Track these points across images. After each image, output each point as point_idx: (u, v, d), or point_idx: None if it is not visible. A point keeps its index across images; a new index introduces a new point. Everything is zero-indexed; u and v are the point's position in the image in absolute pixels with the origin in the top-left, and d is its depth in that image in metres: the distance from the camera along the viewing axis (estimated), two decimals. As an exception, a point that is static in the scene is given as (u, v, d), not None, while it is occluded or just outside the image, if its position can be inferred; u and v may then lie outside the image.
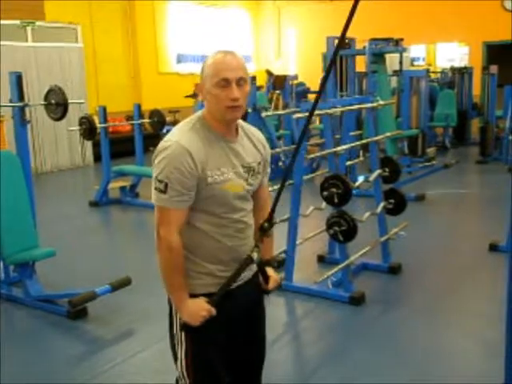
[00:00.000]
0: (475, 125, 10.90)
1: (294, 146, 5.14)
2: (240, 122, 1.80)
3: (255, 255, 1.77)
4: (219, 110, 1.67)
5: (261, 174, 1.84)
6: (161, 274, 1.75)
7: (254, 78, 8.34)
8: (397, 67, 9.85)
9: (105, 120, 7.02)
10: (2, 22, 8.72)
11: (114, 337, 3.45)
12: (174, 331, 1.80)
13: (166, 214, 1.68)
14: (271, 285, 1.87)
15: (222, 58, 1.66)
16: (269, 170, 1.94)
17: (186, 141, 1.65)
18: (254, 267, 1.86)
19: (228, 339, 1.82)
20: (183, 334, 1.76)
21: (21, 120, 4.15)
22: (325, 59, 8.45)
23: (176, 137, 1.67)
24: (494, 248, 4.68)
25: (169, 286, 1.75)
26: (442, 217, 6.14)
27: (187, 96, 11.01)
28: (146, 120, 7.78)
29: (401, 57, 9.30)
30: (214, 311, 1.70)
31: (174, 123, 10.78)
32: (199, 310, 1.70)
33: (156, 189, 1.67)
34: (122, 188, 7.24)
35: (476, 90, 11.17)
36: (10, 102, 4.18)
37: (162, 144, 1.68)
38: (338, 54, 7.61)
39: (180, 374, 1.80)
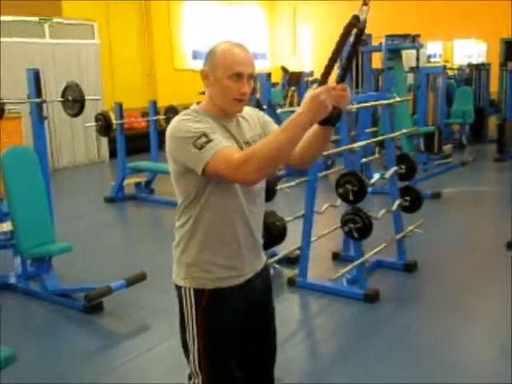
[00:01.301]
0: (492, 122, 10.77)
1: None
2: None
3: (363, 15, 1.55)
4: (225, 101, 1.68)
5: None
6: (277, 156, 1.55)
7: (269, 75, 8.33)
8: (413, 64, 9.77)
9: (121, 116, 7.06)
10: (20, 18, 8.81)
11: (129, 331, 3.47)
12: (186, 327, 1.79)
13: (225, 154, 1.55)
14: (344, 96, 1.62)
15: (235, 50, 1.67)
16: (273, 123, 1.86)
17: (186, 114, 1.67)
18: (262, 262, 1.85)
19: (240, 334, 1.81)
20: (196, 329, 1.76)
21: (38, 116, 4.19)
22: (340, 56, 8.41)
23: (174, 119, 1.68)
24: (511, 246, 4.62)
25: (291, 130, 1.54)
26: (458, 215, 6.08)
27: (202, 92, 11.02)
28: (162, 116, 7.80)
29: (417, 53, 9.22)
30: (324, 88, 1.53)
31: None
32: (315, 99, 1.53)
33: (200, 148, 1.56)
34: (137, 184, 7.28)
35: (493, 86, 11.03)
36: (28, 98, 4.22)
37: (167, 134, 1.67)
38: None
39: (192, 369, 1.80)
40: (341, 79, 1.62)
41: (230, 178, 1.58)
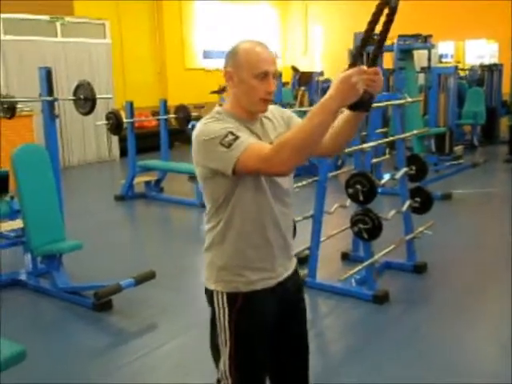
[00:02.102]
0: (504, 123, 10.68)
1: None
2: None
3: None
4: (251, 101, 1.66)
5: None
6: (309, 142, 1.50)
7: (280, 75, 8.32)
8: (425, 64, 9.72)
9: (131, 115, 7.09)
10: (32, 16, 8.87)
11: (138, 330, 3.49)
12: (218, 330, 1.76)
13: (254, 149, 1.54)
14: (379, 81, 1.55)
15: (258, 48, 1.66)
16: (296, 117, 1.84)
17: (213, 117, 1.65)
18: (293, 264, 1.84)
19: (272, 337, 1.79)
20: (228, 333, 1.73)
21: (50, 114, 4.22)
22: (351, 55, 8.38)
23: (200, 122, 1.66)
24: (521, 249, 4.59)
25: (318, 124, 1.48)
26: (468, 216, 6.04)
27: (213, 92, 11.04)
28: (172, 115, 7.83)
29: (429, 53, 9.17)
30: (356, 69, 1.47)
31: (200, 118, 10.85)
32: (346, 82, 1.46)
33: (228, 146, 1.54)
34: (147, 183, 7.31)
35: (505, 87, 10.94)
36: (40, 96, 4.25)
37: (194, 136, 1.64)
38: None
39: (222, 373, 1.77)
40: (372, 62, 1.53)
41: (262, 170, 1.56)
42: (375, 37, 1.58)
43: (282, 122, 1.80)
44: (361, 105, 1.54)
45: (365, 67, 1.50)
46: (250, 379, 1.77)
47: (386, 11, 1.50)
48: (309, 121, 1.49)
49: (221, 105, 1.76)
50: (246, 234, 1.69)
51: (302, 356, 1.92)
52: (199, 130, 1.64)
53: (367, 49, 1.62)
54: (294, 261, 1.88)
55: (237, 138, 1.56)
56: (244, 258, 1.71)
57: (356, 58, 1.53)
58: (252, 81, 1.64)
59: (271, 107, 1.78)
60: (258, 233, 1.70)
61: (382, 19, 1.52)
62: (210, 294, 1.78)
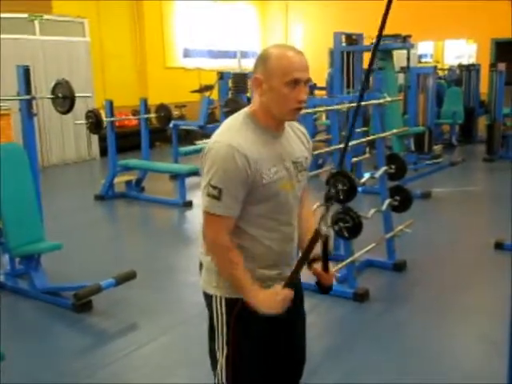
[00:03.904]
0: (482, 122, 10.84)
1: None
2: None
3: (323, 229, 1.63)
4: (282, 111, 1.61)
5: (307, 170, 1.77)
6: (223, 276, 1.69)
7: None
8: (404, 64, 9.81)
9: (111, 114, 7.02)
10: (10, 15, 8.73)
11: (118, 330, 3.46)
12: (215, 336, 1.75)
13: (217, 221, 1.60)
14: (331, 278, 1.79)
15: (290, 53, 1.59)
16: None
17: (238, 141, 1.57)
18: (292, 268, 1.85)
19: (270, 344, 1.78)
20: (225, 338, 1.72)
21: (28, 113, 4.17)
22: (331, 55, 8.43)
23: (226, 137, 1.59)
24: (499, 246, 4.66)
25: (235, 285, 1.66)
26: (447, 214, 6.12)
27: (193, 91, 11.00)
28: (153, 115, 7.79)
29: (408, 53, 9.26)
30: (290, 293, 1.65)
31: (181, 118, 10.80)
32: (273, 295, 1.64)
33: (209, 195, 1.58)
34: (128, 182, 7.26)
35: (483, 87, 11.09)
36: (18, 94, 4.20)
37: (212, 145, 1.60)
38: (345, 51, 7.60)
39: (219, 379, 1.75)
40: (325, 267, 1.75)
41: (202, 235, 1.68)
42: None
43: (309, 149, 1.81)
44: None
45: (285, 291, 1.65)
46: None
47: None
48: (238, 275, 1.64)
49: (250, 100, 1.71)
50: (248, 242, 1.69)
51: (298, 364, 1.93)
52: (220, 148, 1.57)
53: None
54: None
55: (218, 199, 1.57)
56: (246, 266, 1.68)
57: (290, 279, 1.69)
58: (283, 89, 1.57)
59: (302, 128, 1.80)
60: (259, 241, 1.69)
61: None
62: (208, 298, 1.76)
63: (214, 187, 1.56)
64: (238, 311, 1.70)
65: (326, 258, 1.74)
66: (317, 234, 1.64)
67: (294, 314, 1.85)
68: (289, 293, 1.65)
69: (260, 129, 1.64)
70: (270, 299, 1.63)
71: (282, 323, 1.78)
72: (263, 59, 1.61)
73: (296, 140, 1.75)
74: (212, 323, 1.76)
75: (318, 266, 1.76)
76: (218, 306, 1.73)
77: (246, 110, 1.69)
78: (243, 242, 1.68)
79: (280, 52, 1.59)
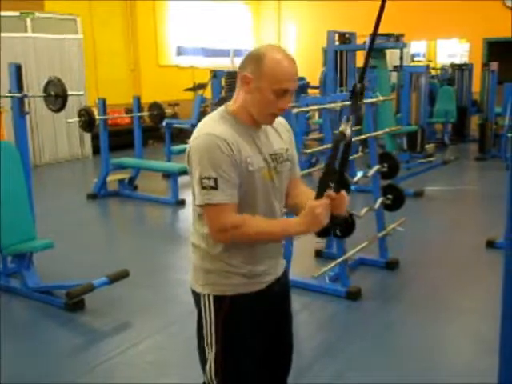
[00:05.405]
0: (474, 121, 10.88)
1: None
2: None
3: (348, 131, 1.59)
4: (261, 113, 1.63)
5: (290, 161, 1.78)
6: (258, 239, 1.66)
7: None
8: (397, 63, 9.84)
9: (104, 112, 7.00)
10: (2, 13, 8.68)
11: (111, 329, 3.45)
12: (204, 334, 1.75)
13: (220, 210, 1.58)
14: (342, 204, 1.64)
15: (285, 63, 1.59)
16: (296, 156, 1.86)
17: (218, 130, 1.59)
18: (282, 267, 1.84)
19: (258, 341, 1.78)
20: (214, 336, 1.72)
21: (20, 111, 4.14)
22: (325, 54, 8.44)
23: (205, 129, 1.61)
24: (491, 245, 4.69)
25: (275, 238, 1.68)
26: (440, 213, 6.14)
27: (187, 89, 10.98)
28: (146, 113, 7.77)
29: (401, 52, 9.29)
30: (324, 201, 1.58)
31: (174, 116, 10.78)
32: (311, 212, 1.57)
33: (205, 188, 1.56)
34: (121, 181, 7.23)
35: (476, 86, 11.16)
36: (9, 92, 4.17)
37: (192, 143, 1.62)
38: (338, 50, 7.61)
39: (208, 377, 1.76)
40: (337, 188, 1.62)
41: (210, 232, 1.63)
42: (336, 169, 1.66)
43: (288, 141, 1.80)
44: (328, 231, 1.67)
45: (332, 193, 1.59)
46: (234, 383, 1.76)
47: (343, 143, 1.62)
48: (271, 227, 1.63)
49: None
50: (240, 246, 1.68)
51: (286, 360, 1.93)
52: (202, 140, 1.59)
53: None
54: (283, 264, 1.87)
55: (215, 188, 1.56)
56: (232, 262, 1.69)
57: (322, 190, 1.62)
58: (269, 94, 1.59)
59: (281, 119, 1.79)
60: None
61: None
62: (196, 296, 1.76)
63: (208, 178, 1.56)
64: (226, 308, 1.70)
65: (343, 168, 1.64)
66: (342, 135, 1.59)
67: (283, 306, 1.87)
68: (323, 201, 1.58)
69: (238, 124, 1.65)
70: (312, 218, 1.57)
71: (271, 316, 1.80)
72: (256, 59, 1.60)
73: (273, 133, 1.75)
74: (200, 321, 1.76)
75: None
76: (206, 304, 1.72)
77: (223, 107, 1.71)
78: None
79: (275, 58, 1.59)
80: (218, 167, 1.56)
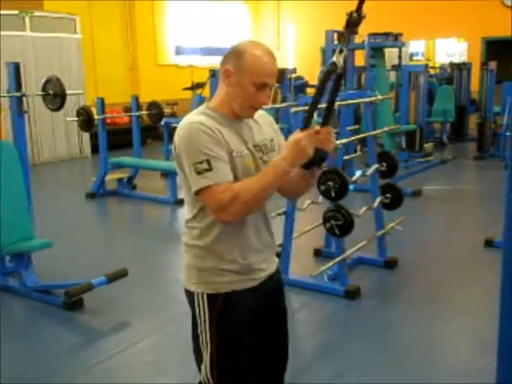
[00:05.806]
0: (473, 121, 10.90)
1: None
2: None
3: (340, 61, 1.59)
4: (242, 106, 1.67)
5: (275, 151, 1.78)
6: (260, 198, 1.64)
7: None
8: (396, 62, 9.83)
9: (103, 111, 7.00)
10: (1, 11, 8.67)
11: (110, 328, 3.45)
12: (199, 333, 1.75)
13: (217, 190, 1.57)
14: (327, 140, 1.64)
15: (265, 59, 1.64)
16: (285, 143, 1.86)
17: (198, 119, 1.63)
18: (275, 264, 1.85)
19: (253, 338, 1.78)
20: (209, 334, 1.72)
21: (18, 110, 4.14)
22: (323, 53, 8.44)
23: (186, 121, 1.65)
24: (489, 244, 4.69)
25: (271, 187, 1.61)
26: (438, 212, 6.15)
27: (185, 88, 10.97)
28: (144, 112, 7.77)
29: (400, 52, 9.28)
30: (306, 132, 1.57)
31: (172, 115, 10.77)
32: (296, 145, 1.57)
33: (200, 172, 1.57)
34: (120, 180, 7.23)
35: (474, 85, 11.16)
36: (8, 91, 4.17)
37: (176, 138, 1.65)
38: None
39: (204, 376, 1.76)
40: (324, 122, 1.64)
41: (215, 215, 1.63)
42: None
43: (272, 131, 1.82)
44: (312, 163, 1.66)
45: (317, 127, 1.59)
46: (232, 382, 1.76)
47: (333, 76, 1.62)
48: (262, 178, 1.60)
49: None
50: (227, 236, 1.69)
51: (282, 357, 1.93)
52: (184, 130, 1.63)
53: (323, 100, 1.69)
54: (276, 260, 1.88)
55: (210, 169, 1.57)
56: (225, 259, 1.69)
57: (307, 121, 1.62)
58: (250, 87, 1.63)
59: (260, 112, 1.79)
60: (238, 235, 1.70)
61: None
62: (190, 295, 1.76)
63: (200, 162, 1.58)
64: (220, 306, 1.71)
65: (332, 102, 1.65)
66: (334, 66, 1.59)
67: (277, 302, 1.88)
68: (307, 132, 1.58)
69: (220, 117, 1.68)
70: (297, 150, 1.57)
71: (265, 313, 1.80)
72: (237, 54, 1.65)
73: (255, 126, 1.77)
74: (195, 320, 1.76)
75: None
76: (200, 303, 1.73)
77: (204, 105, 1.74)
78: (217, 223, 1.67)
79: (256, 53, 1.64)
80: (206, 149, 1.58)
